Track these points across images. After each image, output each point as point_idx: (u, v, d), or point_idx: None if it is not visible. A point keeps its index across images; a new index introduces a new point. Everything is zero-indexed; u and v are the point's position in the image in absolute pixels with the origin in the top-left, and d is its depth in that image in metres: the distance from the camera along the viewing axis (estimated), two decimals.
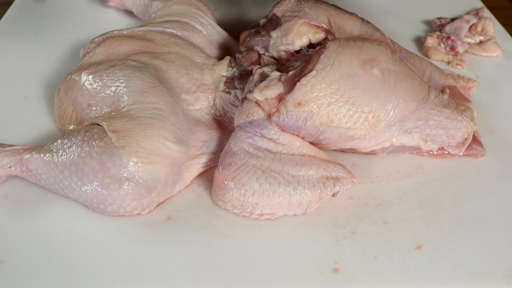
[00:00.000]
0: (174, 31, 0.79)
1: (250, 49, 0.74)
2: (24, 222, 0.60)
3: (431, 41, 0.94)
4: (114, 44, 0.73)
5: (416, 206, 0.64)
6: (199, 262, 0.56)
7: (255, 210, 0.60)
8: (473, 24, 0.97)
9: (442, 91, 0.71)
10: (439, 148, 0.70)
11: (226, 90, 0.71)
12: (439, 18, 1.01)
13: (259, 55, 0.73)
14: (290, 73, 0.64)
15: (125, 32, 0.77)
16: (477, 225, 0.62)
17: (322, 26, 0.69)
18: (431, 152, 0.71)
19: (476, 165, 0.70)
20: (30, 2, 1.03)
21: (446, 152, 0.71)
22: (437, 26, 1.00)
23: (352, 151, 0.70)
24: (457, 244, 0.59)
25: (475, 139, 0.72)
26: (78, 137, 0.60)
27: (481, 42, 0.95)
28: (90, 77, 0.67)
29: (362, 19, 0.72)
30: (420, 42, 0.97)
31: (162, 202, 0.62)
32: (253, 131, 0.64)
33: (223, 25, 0.95)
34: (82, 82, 0.67)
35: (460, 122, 0.69)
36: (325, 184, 0.62)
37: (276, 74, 0.65)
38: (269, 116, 0.63)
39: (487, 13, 1.04)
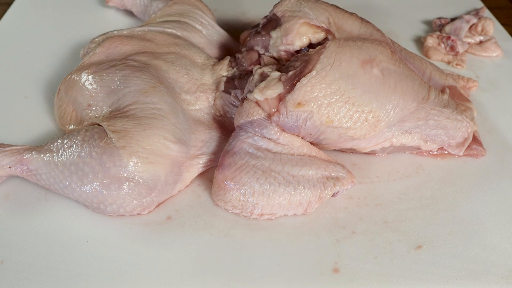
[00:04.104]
0: (174, 31, 0.79)
1: (250, 49, 0.74)
2: (24, 222, 0.60)
3: (431, 41, 0.94)
4: (114, 44, 0.73)
5: (416, 206, 0.64)
6: (199, 262, 0.56)
7: (255, 210, 0.60)
8: (473, 24, 0.97)
9: (442, 91, 0.71)
10: (439, 148, 0.70)
11: (226, 90, 0.71)
12: (439, 18, 1.01)
13: (259, 55, 0.73)
14: (290, 73, 0.64)
15: (125, 32, 0.77)
16: (477, 225, 0.62)
17: (322, 26, 0.69)
18: (431, 152, 0.71)
19: (476, 165, 0.70)
20: (30, 2, 1.03)
21: (446, 152, 0.71)
22: (437, 26, 1.00)
23: (352, 151, 0.70)
24: (457, 244, 0.59)
25: (475, 139, 0.72)
26: (78, 137, 0.60)
27: (481, 42, 0.95)
28: (90, 77, 0.67)
29: (362, 19, 0.72)
30: (420, 42, 0.97)
31: (162, 202, 0.62)
32: (253, 131, 0.64)
33: (223, 25, 0.95)
34: (82, 82, 0.67)
35: (460, 122, 0.69)
36: (325, 184, 0.62)
37: (276, 74, 0.65)
38: (269, 116, 0.63)
39: (487, 13, 1.04)
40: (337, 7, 0.72)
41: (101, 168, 0.57)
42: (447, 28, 0.96)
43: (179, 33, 0.79)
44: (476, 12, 1.02)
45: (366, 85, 0.62)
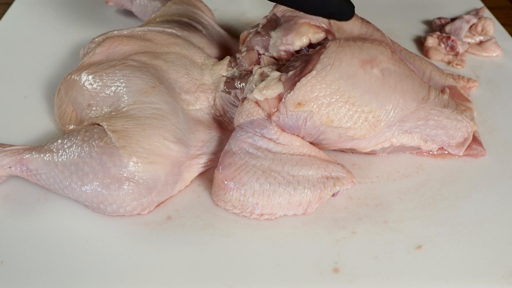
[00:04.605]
0: (174, 31, 0.79)
1: (250, 49, 0.74)
2: (24, 222, 0.60)
3: (431, 41, 0.94)
4: (114, 44, 0.73)
5: (416, 206, 0.64)
6: (199, 262, 0.56)
7: (255, 210, 0.60)
8: (473, 24, 0.97)
9: (442, 91, 0.71)
10: (439, 148, 0.71)
11: (226, 90, 0.71)
12: (439, 18, 1.01)
13: (259, 55, 0.73)
14: (290, 73, 0.64)
15: (125, 32, 0.77)
16: (477, 225, 0.62)
17: (322, 26, 0.69)
18: (431, 152, 0.71)
19: (476, 165, 0.70)
20: (30, 2, 1.03)
21: (446, 152, 0.71)
22: (437, 26, 1.00)
23: (352, 151, 0.70)
24: (457, 244, 0.59)
25: (475, 139, 0.72)
26: (78, 137, 0.60)
27: (481, 42, 0.95)
28: (90, 77, 0.67)
29: (362, 19, 0.72)
30: (420, 42, 0.97)
31: (162, 202, 0.62)
32: (253, 131, 0.64)
33: (223, 25, 0.95)
34: (82, 82, 0.67)
35: (460, 122, 0.69)
36: (325, 184, 0.62)
37: (276, 74, 0.65)
38: (269, 116, 0.63)
39: (487, 13, 1.05)
40: None
41: (101, 168, 0.57)
42: (447, 28, 0.96)
43: (179, 33, 0.79)
44: (476, 12, 1.02)
45: (366, 85, 0.62)
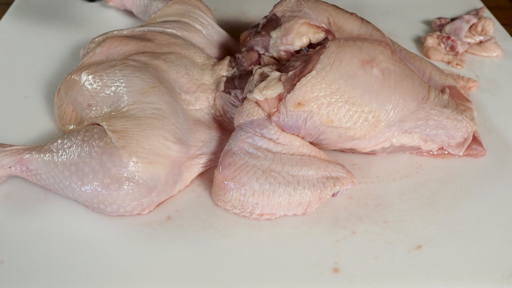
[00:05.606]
0: (174, 31, 0.79)
1: (250, 49, 0.74)
2: (24, 222, 0.60)
3: (431, 41, 0.94)
4: (114, 44, 0.73)
5: (416, 206, 0.64)
6: (199, 262, 0.56)
7: (255, 210, 0.60)
8: (473, 24, 0.97)
9: (442, 91, 0.71)
10: (439, 148, 0.71)
11: (226, 90, 0.71)
12: (439, 18, 1.01)
13: (259, 55, 0.73)
14: (290, 73, 0.64)
15: (125, 32, 0.77)
16: (477, 225, 0.62)
17: (322, 26, 0.69)
18: (431, 152, 0.71)
19: (476, 165, 0.70)
20: (30, 2, 1.03)
21: (446, 152, 0.71)
22: (437, 26, 1.00)
23: (352, 151, 0.70)
24: (457, 244, 0.59)
25: (475, 139, 0.72)
26: (78, 137, 0.60)
27: (481, 42, 0.95)
28: (90, 77, 0.67)
29: (362, 19, 0.72)
30: (420, 42, 0.97)
31: (162, 202, 0.62)
32: (253, 131, 0.64)
33: (223, 25, 0.95)
34: (82, 82, 0.67)
35: (460, 122, 0.69)
36: (325, 184, 0.62)
37: (276, 74, 0.65)
38: (269, 116, 0.63)
39: (487, 13, 1.05)
40: (337, 7, 0.72)
41: (101, 168, 0.57)
42: (447, 28, 0.96)
43: (179, 33, 0.79)
44: (476, 12, 1.02)
45: (366, 85, 0.62)
